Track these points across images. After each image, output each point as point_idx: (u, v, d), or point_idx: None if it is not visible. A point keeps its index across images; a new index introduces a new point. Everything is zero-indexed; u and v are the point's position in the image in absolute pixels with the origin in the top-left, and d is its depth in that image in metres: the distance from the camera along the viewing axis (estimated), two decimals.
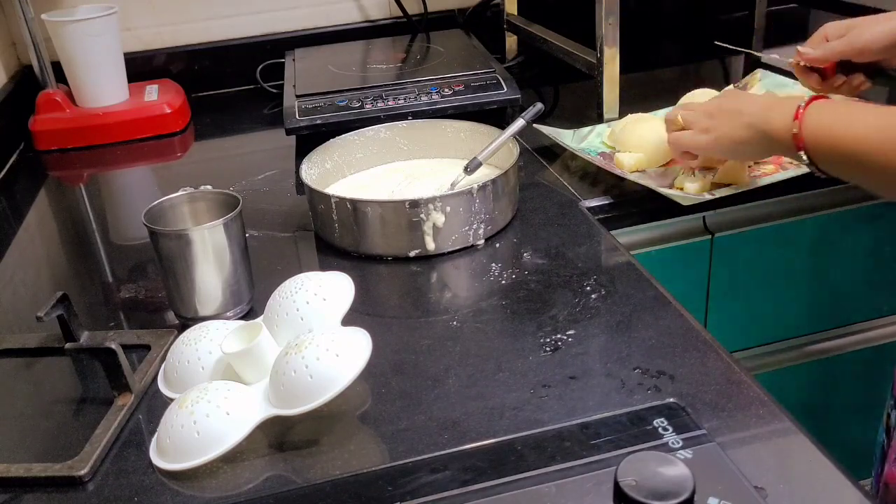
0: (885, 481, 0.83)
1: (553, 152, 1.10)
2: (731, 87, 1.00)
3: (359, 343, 0.64)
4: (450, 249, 0.86)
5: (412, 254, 0.86)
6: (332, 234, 0.89)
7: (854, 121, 0.72)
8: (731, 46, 1.00)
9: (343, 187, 1.00)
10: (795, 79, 0.98)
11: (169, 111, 1.30)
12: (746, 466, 0.54)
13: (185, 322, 0.77)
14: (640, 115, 1.08)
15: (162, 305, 0.82)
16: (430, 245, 0.85)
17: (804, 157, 0.75)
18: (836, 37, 0.91)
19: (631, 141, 1.02)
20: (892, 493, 0.81)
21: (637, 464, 0.44)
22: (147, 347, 0.75)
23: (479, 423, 0.62)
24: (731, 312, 1.08)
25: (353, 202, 0.85)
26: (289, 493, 0.57)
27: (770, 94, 0.91)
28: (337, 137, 1.01)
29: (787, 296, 1.11)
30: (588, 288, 0.78)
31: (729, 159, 0.92)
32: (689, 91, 1.13)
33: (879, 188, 0.73)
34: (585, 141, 1.09)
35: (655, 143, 1.01)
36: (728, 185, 0.94)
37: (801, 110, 0.74)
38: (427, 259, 0.86)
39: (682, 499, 0.42)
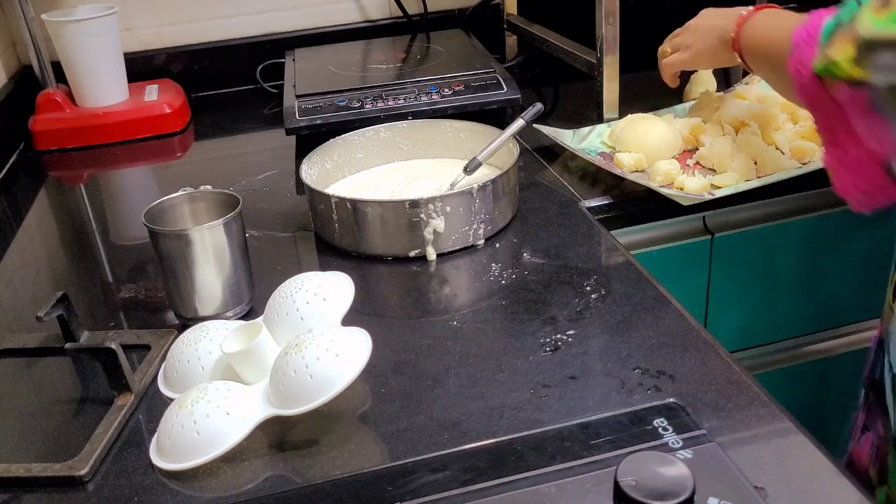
0: (849, 457, 0.84)
1: (553, 152, 1.10)
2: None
3: (359, 343, 0.64)
4: (450, 249, 0.86)
5: (412, 254, 0.86)
6: (332, 234, 0.89)
7: (776, 24, 0.83)
8: None
9: (343, 187, 1.00)
10: None
11: (169, 111, 1.30)
12: (746, 466, 0.54)
13: (185, 322, 0.77)
14: (640, 115, 1.08)
15: (162, 305, 0.82)
16: (432, 255, 0.85)
17: (737, 58, 0.89)
18: None
19: (631, 141, 1.02)
20: (855, 468, 0.82)
21: (637, 464, 0.44)
22: (147, 347, 0.75)
23: (479, 423, 0.62)
24: (731, 312, 1.08)
25: (353, 202, 0.85)
26: (289, 493, 0.57)
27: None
28: (337, 137, 1.01)
29: (786, 296, 1.11)
30: (588, 288, 0.78)
31: (706, 68, 1.08)
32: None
33: (779, 85, 0.83)
34: (585, 141, 1.09)
35: (655, 143, 1.01)
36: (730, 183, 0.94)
37: (742, 17, 0.87)
38: (427, 259, 0.86)
39: (682, 499, 0.42)
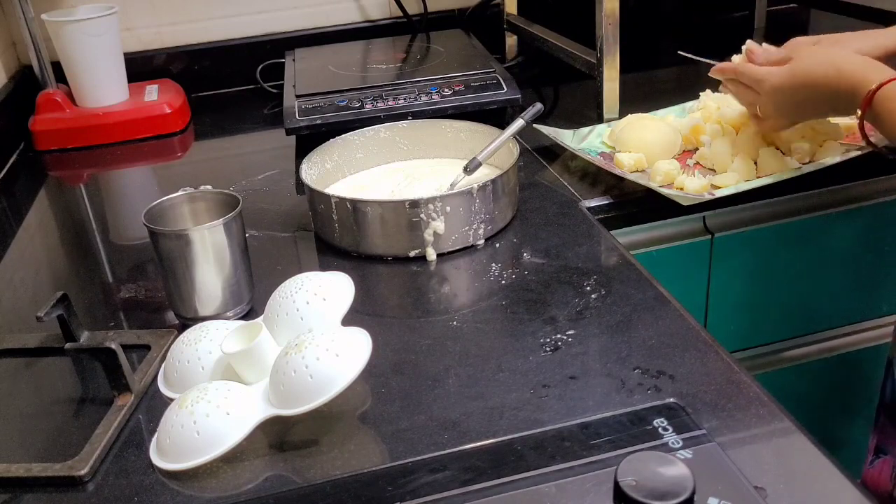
0: (862, 481, 0.84)
1: (553, 152, 1.10)
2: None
3: (359, 343, 0.64)
4: (450, 249, 0.86)
5: (412, 254, 0.86)
6: (332, 234, 0.89)
7: None
8: (693, 56, 1.01)
9: (343, 187, 1.00)
10: None
11: (169, 111, 1.30)
12: (746, 466, 0.54)
13: (185, 322, 0.77)
14: (640, 115, 1.08)
15: (162, 305, 0.82)
16: (432, 255, 0.85)
17: (859, 110, 0.78)
18: None
19: (631, 141, 1.02)
20: (871, 491, 0.81)
21: (637, 464, 0.44)
22: (147, 347, 0.75)
23: (479, 423, 0.62)
24: (731, 312, 1.08)
25: (353, 202, 0.85)
26: (289, 493, 0.57)
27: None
28: (337, 137, 1.01)
29: (787, 296, 1.11)
30: (588, 288, 0.78)
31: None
32: (692, 93, 1.13)
33: None
34: (585, 141, 1.09)
35: (655, 143, 1.01)
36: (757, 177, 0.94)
37: (871, 92, 0.77)
38: (427, 259, 0.86)
39: (682, 499, 0.42)
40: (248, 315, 0.79)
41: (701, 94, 1.13)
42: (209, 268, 0.75)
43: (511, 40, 1.49)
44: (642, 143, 1.01)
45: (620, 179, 0.98)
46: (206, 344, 0.68)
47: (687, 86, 1.18)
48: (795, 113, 0.89)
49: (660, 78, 1.41)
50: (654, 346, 0.69)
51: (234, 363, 0.66)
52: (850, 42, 0.89)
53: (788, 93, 0.86)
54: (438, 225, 0.84)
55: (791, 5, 1.60)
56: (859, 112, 0.78)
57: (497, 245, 0.88)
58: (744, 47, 0.93)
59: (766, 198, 0.98)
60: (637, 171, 0.99)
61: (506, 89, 1.16)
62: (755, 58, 0.90)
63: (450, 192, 0.90)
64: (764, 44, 0.92)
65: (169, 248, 0.74)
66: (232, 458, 0.60)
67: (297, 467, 0.60)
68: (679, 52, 1.03)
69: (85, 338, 0.73)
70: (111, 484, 0.60)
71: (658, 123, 1.04)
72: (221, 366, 0.67)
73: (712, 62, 0.96)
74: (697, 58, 0.99)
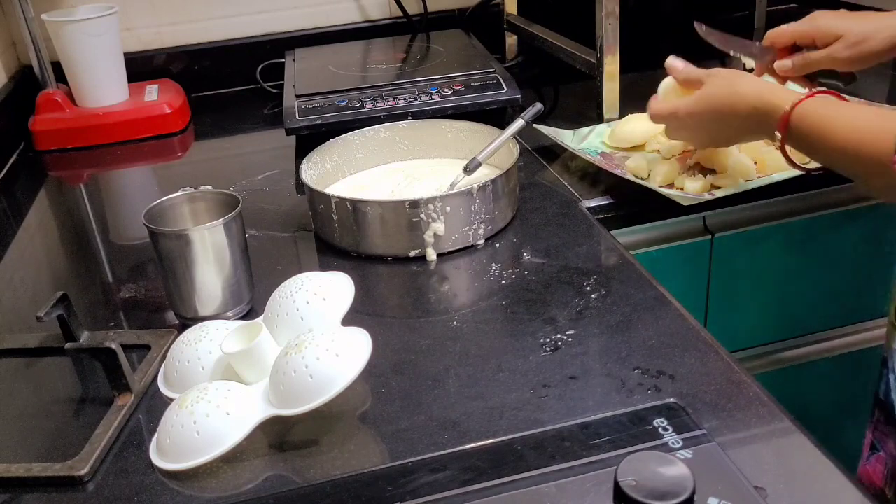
0: (858, 476, 0.84)
1: (553, 152, 1.10)
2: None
3: (359, 343, 0.64)
4: (450, 249, 0.86)
5: (412, 254, 0.86)
6: (332, 234, 0.89)
7: (852, 115, 0.73)
8: (707, 30, 0.99)
9: (343, 187, 1.00)
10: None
11: (169, 111, 1.30)
12: (746, 466, 0.54)
13: (185, 322, 0.77)
14: (639, 115, 1.08)
15: (162, 305, 0.82)
16: (432, 255, 0.85)
17: (778, 136, 0.77)
18: (825, 40, 0.90)
19: (631, 141, 1.02)
20: (865, 487, 0.82)
21: (637, 464, 0.44)
22: (147, 347, 0.75)
23: (479, 423, 0.62)
24: (731, 312, 1.08)
25: (353, 202, 0.85)
26: (289, 493, 0.57)
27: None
28: (337, 137, 1.01)
29: (786, 296, 1.11)
30: (588, 288, 0.78)
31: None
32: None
33: (867, 181, 0.74)
34: (585, 141, 1.09)
35: (655, 143, 1.01)
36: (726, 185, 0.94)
37: (786, 114, 0.75)
38: (427, 259, 0.86)
39: (682, 499, 0.42)
40: (248, 315, 0.79)
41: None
42: (209, 268, 0.75)
43: (511, 40, 1.49)
44: (642, 142, 1.01)
45: (620, 179, 0.98)
46: (206, 344, 0.68)
47: None
48: (710, 134, 0.88)
49: (660, 78, 1.41)
50: (654, 346, 0.69)
51: (234, 363, 0.66)
52: (874, 19, 0.88)
53: (697, 117, 0.86)
54: (438, 226, 0.84)
55: (791, 5, 1.60)
56: (779, 135, 0.77)
57: (497, 245, 0.88)
58: (666, 63, 0.93)
59: (766, 198, 0.98)
60: (637, 171, 0.99)
61: (506, 89, 1.16)
62: (676, 74, 0.91)
63: (450, 192, 0.90)
64: (684, 63, 0.92)
65: (169, 248, 0.74)
66: (232, 458, 0.60)
67: (297, 467, 0.60)
68: (695, 23, 1.01)
69: (85, 338, 0.73)
70: (111, 484, 0.60)
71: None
72: (221, 366, 0.67)
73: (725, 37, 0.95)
74: (711, 31, 0.98)
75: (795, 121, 0.75)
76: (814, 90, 0.77)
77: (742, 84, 0.82)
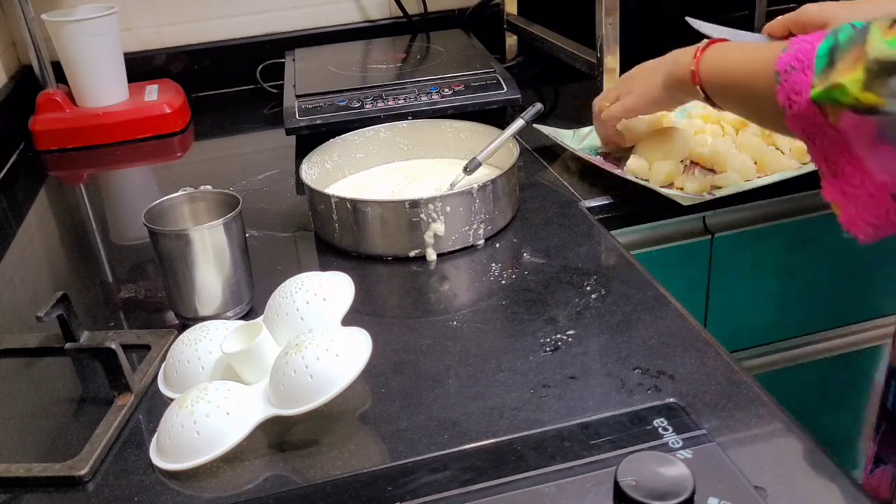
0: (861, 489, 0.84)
1: (553, 152, 1.10)
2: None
3: (359, 343, 0.64)
4: (450, 249, 0.86)
5: (412, 254, 0.86)
6: (332, 234, 0.89)
7: (742, 56, 0.77)
8: (699, 24, 0.99)
9: (343, 187, 1.00)
10: None
11: (169, 111, 1.30)
12: (746, 466, 0.54)
13: (185, 322, 0.77)
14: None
15: (162, 305, 0.82)
16: (432, 256, 0.85)
17: (700, 92, 0.82)
18: (814, 28, 0.89)
19: (640, 145, 1.01)
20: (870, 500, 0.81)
21: (637, 464, 0.44)
22: (147, 347, 0.75)
23: (479, 423, 0.62)
24: (731, 312, 1.08)
25: (353, 202, 0.85)
26: (289, 493, 0.57)
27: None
28: (337, 137, 1.01)
29: (786, 296, 1.10)
30: (588, 288, 0.78)
31: (650, 112, 0.97)
32: None
33: (759, 117, 0.77)
34: (585, 141, 1.09)
35: (664, 146, 1.00)
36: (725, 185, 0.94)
37: (699, 52, 0.81)
38: (427, 259, 0.86)
39: (682, 499, 0.42)
40: (248, 315, 0.79)
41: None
42: (209, 268, 0.75)
43: (511, 40, 1.49)
44: (648, 147, 1.00)
45: (620, 179, 0.98)
46: (206, 344, 0.68)
47: None
48: (643, 85, 0.92)
49: None
50: (654, 346, 0.69)
51: (234, 363, 0.66)
52: (866, 9, 0.88)
53: (633, 72, 0.95)
54: (439, 227, 0.84)
55: (791, 5, 1.60)
56: (693, 63, 0.81)
57: (497, 245, 0.88)
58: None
59: (766, 198, 0.98)
60: (637, 171, 0.99)
61: (506, 89, 1.16)
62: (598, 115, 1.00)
63: (450, 192, 0.90)
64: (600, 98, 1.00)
65: (169, 248, 0.74)
66: (232, 458, 0.60)
67: (297, 467, 0.60)
68: (686, 18, 1.02)
69: (85, 338, 0.73)
70: (111, 484, 0.60)
71: (667, 127, 1.04)
72: (221, 366, 0.67)
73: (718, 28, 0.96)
74: (704, 25, 0.98)
75: (703, 71, 0.80)
76: (713, 39, 0.82)
77: (657, 60, 0.91)
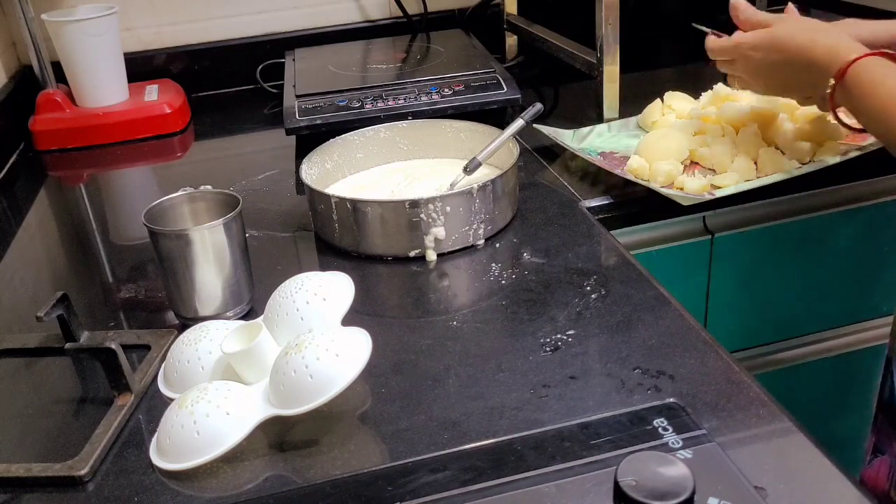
0: (861, 480, 0.84)
1: (553, 152, 1.10)
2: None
3: (359, 343, 0.64)
4: (450, 249, 0.86)
5: (412, 254, 0.86)
6: (332, 234, 0.89)
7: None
8: (706, 29, 0.99)
9: (343, 187, 1.00)
10: None
11: (169, 111, 1.30)
12: (746, 466, 0.54)
13: (185, 322, 0.77)
14: (674, 133, 1.05)
15: (162, 305, 0.82)
16: (432, 256, 0.85)
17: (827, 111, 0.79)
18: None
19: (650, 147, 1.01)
20: (869, 491, 0.82)
21: (637, 464, 0.44)
22: (147, 347, 0.75)
23: (479, 423, 0.62)
24: (731, 312, 1.08)
25: (353, 202, 0.85)
26: (289, 493, 0.57)
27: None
28: (337, 137, 1.01)
29: (786, 296, 1.11)
30: (588, 288, 0.78)
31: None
32: (692, 92, 1.13)
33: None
34: (585, 141, 1.09)
35: (664, 148, 0.99)
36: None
37: (843, 69, 0.76)
38: (427, 259, 0.86)
39: (682, 499, 0.42)
40: (248, 315, 0.79)
41: (702, 94, 1.12)
42: (209, 268, 0.75)
43: (511, 40, 1.49)
44: (648, 147, 1.00)
45: (620, 179, 0.98)
46: (206, 344, 0.68)
47: (688, 85, 1.18)
48: (769, 76, 0.88)
49: (660, 78, 1.41)
50: (654, 346, 0.69)
51: (234, 363, 0.66)
52: (859, 27, 0.88)
53: (763, 53, 0.86)
54: (439, 230, 0.84)
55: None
56: (832, 82, 0.77)
57: (497, 245, 0.88)
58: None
59: (766, 198, 0.98)
60: (637, 171, 0.99)
61: (506, 89, 1.16)
62: (738, 13, 0.90)
63: (450, 192, 0.90)
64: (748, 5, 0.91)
65: (169, 248, 0.74)
66: (232, 458, 0.60)
67: (297, 467, 0.60)
68: (693, 24, 1.02)
69: (85, 338, 0.73)
70: (111, 484, 0.60)
71: (668, 129, 1.03)
72: (221, 366, 0.67)
73: (721, 34, 0.95)
74: (710, 31, 0.98)
75: (852, 74, 0.76)
76: (883, 49, 0.77)
77: (821, 32, 0.82)
